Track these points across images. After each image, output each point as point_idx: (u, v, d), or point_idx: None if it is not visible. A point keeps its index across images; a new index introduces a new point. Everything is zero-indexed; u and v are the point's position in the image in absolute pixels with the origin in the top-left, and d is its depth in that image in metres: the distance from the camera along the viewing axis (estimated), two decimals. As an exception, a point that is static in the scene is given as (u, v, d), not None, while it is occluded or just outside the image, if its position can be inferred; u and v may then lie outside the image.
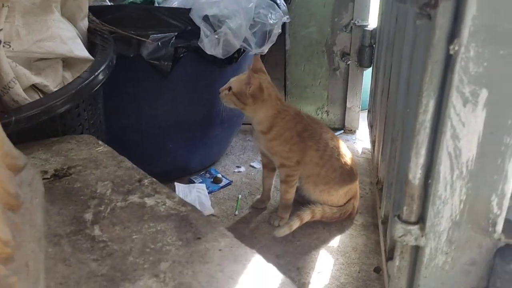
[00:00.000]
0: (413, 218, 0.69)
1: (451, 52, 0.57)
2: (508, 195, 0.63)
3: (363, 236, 1.44)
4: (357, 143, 2.10)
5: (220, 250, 0.70)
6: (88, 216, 0.78)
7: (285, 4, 1.73)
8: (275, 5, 1.49)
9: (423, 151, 0.64)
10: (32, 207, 0.69)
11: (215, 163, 1.89)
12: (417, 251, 0.73)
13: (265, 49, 1.46)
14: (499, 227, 0.66)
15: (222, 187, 1.71)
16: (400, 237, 0.70)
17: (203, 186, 1.65)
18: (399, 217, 0.71)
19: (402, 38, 1.11)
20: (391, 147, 1.20)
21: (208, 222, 0.79)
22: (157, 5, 1.55)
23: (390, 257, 0.85)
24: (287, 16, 1.71)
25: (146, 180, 0.91)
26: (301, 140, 1.37)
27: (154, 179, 0.92)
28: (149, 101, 1.49)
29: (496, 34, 0.54)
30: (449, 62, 0.59)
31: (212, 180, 1.74)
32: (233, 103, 1.36)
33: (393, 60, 1.31)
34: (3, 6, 1.00)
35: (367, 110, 2.21)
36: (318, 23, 2.00)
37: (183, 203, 0.84)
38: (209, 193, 1.65)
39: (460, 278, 0.71)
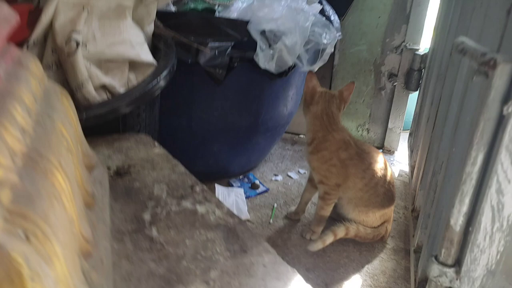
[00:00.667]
0: (450, 261, 0.73)
1: (504, 113, 0.60)
2: (546, 252, 0.66)
3: (393, 260, 1.47)
4: (395, 165, 2.11)
5: (264, 266, 0.76)
6: (147, 216, 0.85)
7: (338, 21, 1.77)
8: (330, 24, 1.53)
9: (467, 200, 0.68)
10: (103, 205, 0.77)
11: (253, 169, 1.95)
12: (450, 291, 0.76)
13: (316, 67, 1.50)
14: (533, 281, 0.69)
15: (258, 194, 1.77)
16: (435, 277, 0.74)
17: (241, 190, 1.72)
18: (436, 257, 0.74)
19: (455, 74, 1.14)
20: (431, 179, 1.23)
21: (253, 236, 0.85)
22: (217, 13, 1.62)
23: (420, 289, 0.89)
24: (339, 33, 1.75)
25: (197, 187, 0.98)
26: (343, 166, 1.40)
27: (205, 187, 0.99)
28: (201, 105, 1.56)
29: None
30: (501, 121, 0.62)
31: (250, 185, 1.80)
32: None
33: (443, 92, 1.33)
34: (83, 9, 1.09)
35: (408, 132, 2.22)
36: (369, 42, 2.03)
37: (231, 214, 0.90)
38: (246, 198, 1.71)
39: (489, 323, 0.74)
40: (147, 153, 1.10)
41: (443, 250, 0.73)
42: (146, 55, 1.22)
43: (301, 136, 2.28)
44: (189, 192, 0.96)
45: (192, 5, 1.63)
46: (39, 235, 0.39)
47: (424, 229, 1.25)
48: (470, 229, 0.69)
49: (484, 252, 0.69)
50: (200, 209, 0.90)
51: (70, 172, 0.57)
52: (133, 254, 0.74)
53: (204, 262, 0.75)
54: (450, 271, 0.73)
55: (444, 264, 0.73)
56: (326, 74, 2.13)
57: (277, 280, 0.73)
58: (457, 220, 0.70)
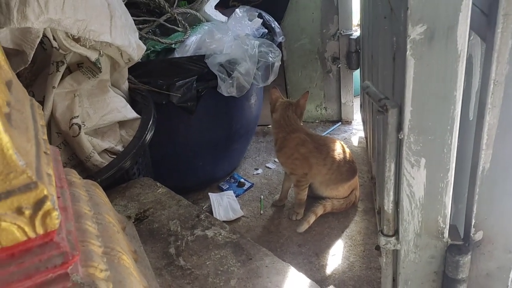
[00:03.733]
0: (391, 233, 1.04)
1: (400, 137, 0.91)
2: (448, 216, 0.98)
3: (365, 220, 1.80)
4: (353, 133, 2.43)
5: (266, 266, 1.06)
6: (172, 250, 1.14)
7: (279, 26, 2.03)
8: (273, 44, 1.79)
9: (391, 193, 0.99)
10: (142, 254, 1.05)
11: (236, 168, 2.24)
12: (396, 252, 1.09)
13: (270, 81, 1.78)
14: (446, 234, 1.01)
15: (246, 190, 2.07)
16: (383, 245, 1.05)
17: (231, 192, 2.01)
18: (382, 232, 1.06)
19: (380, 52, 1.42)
20: (378, 157, 1.54)
21: (254, 245, 1.14)
22: (176, 50, 1.85)
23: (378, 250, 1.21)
24: (282, 36, 2.02)
25: (202, 215, 1.26)
26: (304, 159, 1.71)
27: (207, 213, 1.27)
28: (180, 132, 1.83)
29: (423, 128, 0.87)
30: (400, 142, 0.93)
31: (237, 184, 2.09)
32: None
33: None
34: (75, 96, 1.32)
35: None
36: (309, 35, 2.30)
37: (233, 231, 1.20)
38: (236, 196, 2.01)
39: (426, 267, 1.07)
40: (154, 195, 1.37)
41: (385, 226, 1.04)
42: (130, 114, 1.47)
43: (270, 126, 2.58)
44: (197, 221, 1.24)
45: (151, 47, 1.87)
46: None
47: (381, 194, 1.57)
48: (398, 210, 1.01)
49: (410, 223, 1.00)
50: (209, 233, 1.19)
51: (124, 248, 0.85)
52: (172, 282, 1.03)
53: (224, 275, 1.05)
54: (392, 239, 1.04)
55: (387, 236, 1.05)
56: (279, 69, 2.39)
57: (277, 275, 1.04)
58: (389, 206, 1.01)
